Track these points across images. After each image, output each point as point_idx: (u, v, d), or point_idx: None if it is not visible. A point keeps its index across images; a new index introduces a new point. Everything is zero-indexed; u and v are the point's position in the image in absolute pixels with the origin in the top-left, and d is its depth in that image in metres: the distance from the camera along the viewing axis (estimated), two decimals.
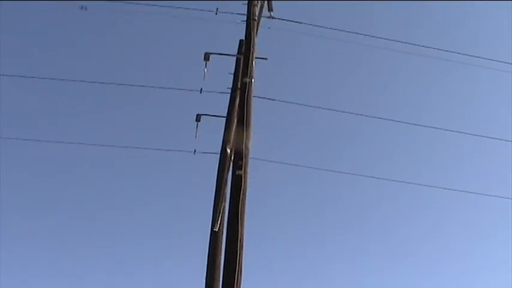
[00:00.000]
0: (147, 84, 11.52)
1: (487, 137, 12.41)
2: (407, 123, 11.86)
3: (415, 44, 11.82)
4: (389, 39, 11.65)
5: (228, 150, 9.20)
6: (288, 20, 10.54)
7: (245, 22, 9.61)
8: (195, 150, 10.79)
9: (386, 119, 11.51)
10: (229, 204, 8.59)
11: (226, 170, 9.05)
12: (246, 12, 9.74)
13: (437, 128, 12.15)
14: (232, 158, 8.96)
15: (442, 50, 11.98)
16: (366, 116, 11.38)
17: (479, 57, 12.22)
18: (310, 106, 11.08)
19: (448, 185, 12.23)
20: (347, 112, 11.36)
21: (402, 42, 11.68)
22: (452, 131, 12.23)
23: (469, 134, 12.30)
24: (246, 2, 9.93)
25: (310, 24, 10.88)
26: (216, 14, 10.59)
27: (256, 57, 9.84)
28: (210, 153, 10.19)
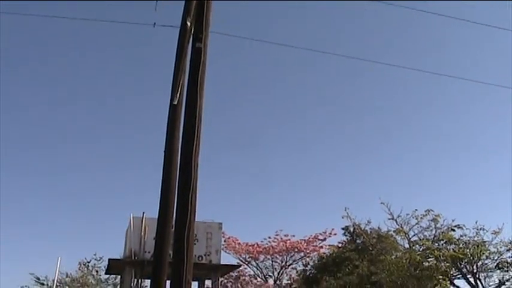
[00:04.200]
0: None
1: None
2: None
3: None
4: None
5: (188, 23, 9.06)
6: None
7: None
8: (154, 23, 10.58)
9: None
10: (189, 78, 8.66)
11: (186, 43, 8.97)
12: None
13: None
14: (193, 31, 8.86)
15: None
16: None
17: None
18: None
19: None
20: None
21: None
22: None
23: None
24: None
25: None
26: None
27: None
28: (170, 26, 10.01)
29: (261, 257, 32.67)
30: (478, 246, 21.14)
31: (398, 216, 23.43)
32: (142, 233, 19.36)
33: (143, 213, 19.81)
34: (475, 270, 21.68)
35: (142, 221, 19.56)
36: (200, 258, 19.79)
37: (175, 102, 8.77)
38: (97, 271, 33.40)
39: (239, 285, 31.81)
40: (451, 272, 22.17)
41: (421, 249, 22.36)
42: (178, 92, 8.71)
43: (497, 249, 21.27)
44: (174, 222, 8.20)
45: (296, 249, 32.35)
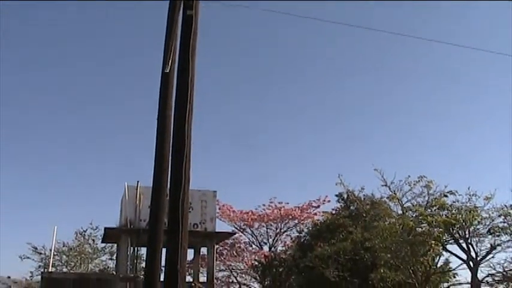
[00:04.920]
0: None
1: None
2: None
3: None
4: None
5: None
6: None
7: None
8: None
9: None
10: (180, 45, 8.57)
11: (177, 10, 8.85)
12: None
13: None
14: None
15: None
16: None
17: None
18: None
19: None
20: None
21: None
22: None
23: None
24: None
25: None
26: None
27: None
28: None
29: (256, 225, 32.92)
30: (470, 211, 21.31)
31: (392, 182, 23.57)
32: (137, 202, 19.42)
33: (138, 181, 19.83)
34: (467, 236, 21.91)
35: (137, 190, 19.60)
36: (195, 226, 19.93)
37: (167, 70, 8.70)
38: (93, 240, 33.69)
39: (234, 252, 32.15)
40: (444, 238, 22.42)
41: (414, 215, 22.57)
42: (170, 60, 8.63)
43: (489, 214, 21.46)
44: (168, 191, 8.22)
45: (290, 217, 32.59)
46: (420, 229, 21.92)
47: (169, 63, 8.56)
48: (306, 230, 30.65)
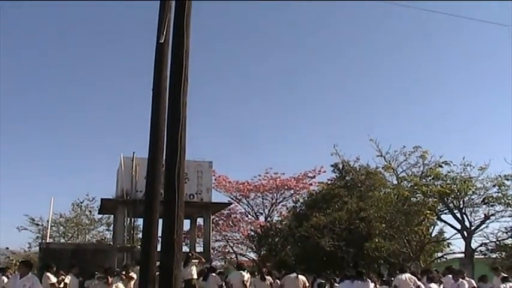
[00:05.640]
0: None
1: None
2: None
3: None
4: None
5: None
6: None
7: None
8: None
9: None
10: (175, 16, 8.45)
11: None
12: None
13: None
14: None
15: None
16: None
17: None
18: None
19: None
20: None
21: None
22: None
23: None
24: None
25: None
26: None
27: None
28: None
29: (252, 195, 33.08)
30: (464, 182, 21.40)
31: (387, 153, 23.60)
32: (134, 173, 19.45)
33: (133, 152, 19.83)
34: (461, 206, 22.05)
35: (132, 161, 19.61)
36: (191, 197, 20.01)
37: (162, 41, 8.60)
38: (90, 211, 33.82)
39: (230, 222, 32.36)
40: (438, 207, 22.57)
41: (409, 185, 22.66)
42: (165, 30, 8.52)
43: (484, 184, 21.57)
44: (164, 161, 8.21)
45: (286, 187, 32.73)
46: (415, 199, 22.05)
47: (164, 34, 8.46)
48: (301, 200, 30.82)
